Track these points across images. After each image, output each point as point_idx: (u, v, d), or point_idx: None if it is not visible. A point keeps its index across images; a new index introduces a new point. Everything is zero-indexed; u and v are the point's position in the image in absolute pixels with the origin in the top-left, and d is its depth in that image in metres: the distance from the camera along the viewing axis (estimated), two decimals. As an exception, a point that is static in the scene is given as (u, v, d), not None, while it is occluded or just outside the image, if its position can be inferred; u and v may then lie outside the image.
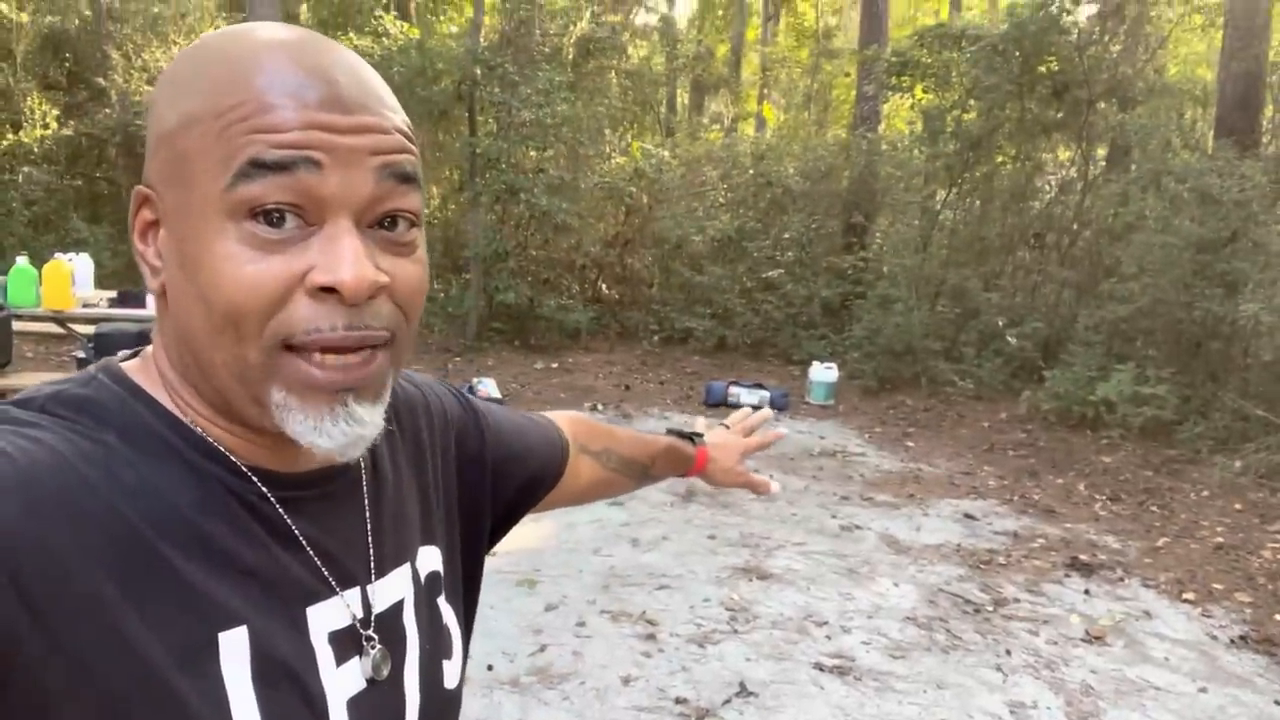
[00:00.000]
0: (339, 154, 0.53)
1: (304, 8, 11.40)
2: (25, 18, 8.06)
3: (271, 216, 0.53)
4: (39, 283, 5.01)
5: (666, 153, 10.10)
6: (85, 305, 5.15)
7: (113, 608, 0.49)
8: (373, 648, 0.64)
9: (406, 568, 0.70)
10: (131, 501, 0.52)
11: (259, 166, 0.52)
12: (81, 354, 4.99)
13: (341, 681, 0.61)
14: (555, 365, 7.95)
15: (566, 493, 0.95)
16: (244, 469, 0.59)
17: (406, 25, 9.63)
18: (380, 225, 0.56)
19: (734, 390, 7.19)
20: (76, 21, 9.15)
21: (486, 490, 0.83)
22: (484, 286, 8.33)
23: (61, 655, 0.47)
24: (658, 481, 1.14)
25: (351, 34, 9.04)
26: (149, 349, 0.62)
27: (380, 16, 9.45)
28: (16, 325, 5.12)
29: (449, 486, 0.79)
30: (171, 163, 0.55)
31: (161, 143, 0.56)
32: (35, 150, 8.25)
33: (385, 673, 0.64)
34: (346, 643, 0.62)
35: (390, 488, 0.71)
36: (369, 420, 0.57)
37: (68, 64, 8.94)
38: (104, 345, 4.93)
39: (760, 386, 7.32)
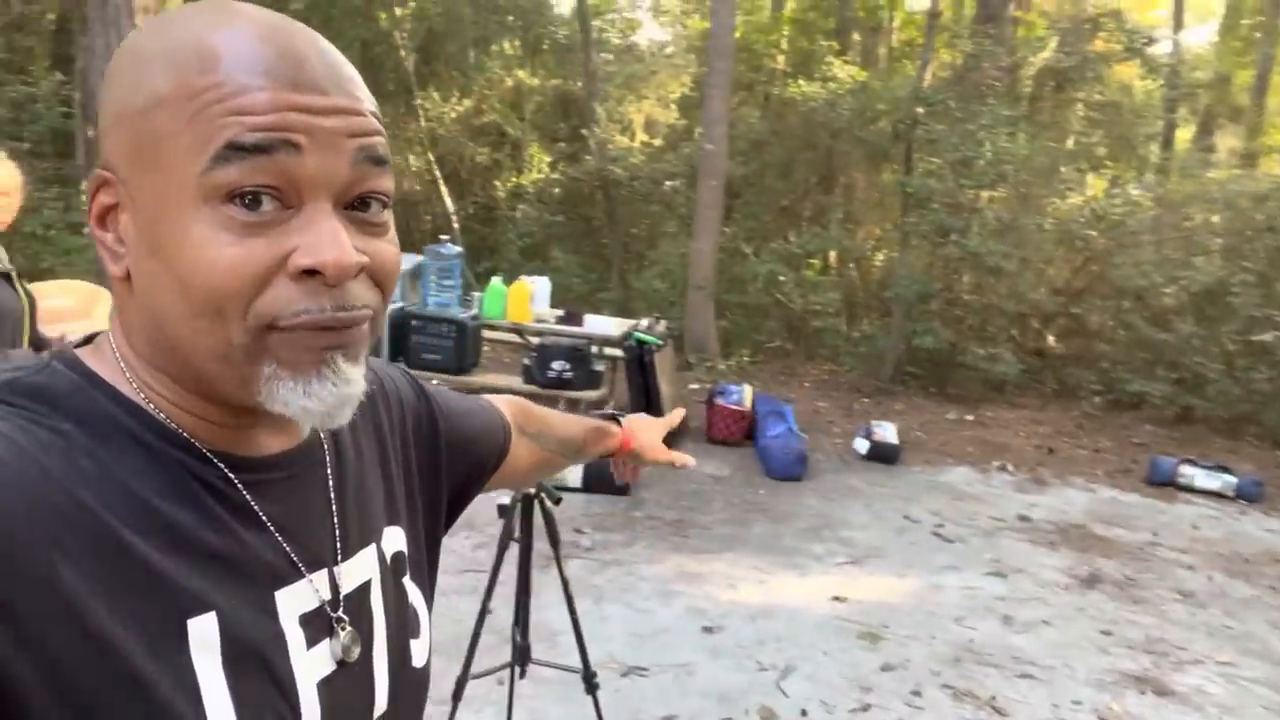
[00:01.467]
0: (317, 136, 0.53)
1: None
2: (536, 81, 9.74)
3: (250, 199, 0.52)
4: (506, 299, 5.99)
5: (1136, 191, 8.89)
6: (538, 320, 6.04)
7: (79, 599, 0.48)
8: (343, 629, 0.64)
9: (372, 549, 0.70)
10: (93, 490, 0.51)
11: (237, 149, 0.51)
12: (527, 361, 5.82)
13: (312, 664, 0.61)
14: (970, 417, 7.41)
15: (508, 473, 0.98)
16: (207, 453, 0.58)
17: (854, 69, 9.75)
18: (354, 206, 0.57)
19: (1186, 470, 6.06)
20: (579, 84, 10.78)
21: (442, 472, 0.84)
22: (904, 329, 8.07)
23: (28, 649, 0.46)
24: (589, 459, 1.18)
25: (801, 81, 9.40)
26: (102, 335, 0.61)
27: (830, 61, 9.69)
28: (486, 334, 6.16)
29: (408, 468, 0.80)
30: (138, 144, 0.54)
31: (123, 122, 0.55)
32: (531, 191, 9.89)
33: (355, 654, 0.64)
34: (317, 625, 0.62)
35: (353, 469, 0.71)
36: (355, 379, 0.57)
37: (570, 120, 10.55)
38: (544, 354, 5.73)
39: (1224, 469, 6.08)
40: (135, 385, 0.58)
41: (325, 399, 0.56)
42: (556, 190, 10.39)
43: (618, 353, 6.24)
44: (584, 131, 9.93)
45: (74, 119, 7.48)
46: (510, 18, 9.66)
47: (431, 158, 9.60)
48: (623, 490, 5.00)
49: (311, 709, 0.61)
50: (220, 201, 0.52)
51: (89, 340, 0.61)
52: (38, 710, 0.47)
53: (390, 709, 0.69)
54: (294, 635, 0.60)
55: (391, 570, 0.72)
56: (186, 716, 0.52)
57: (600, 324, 6.13)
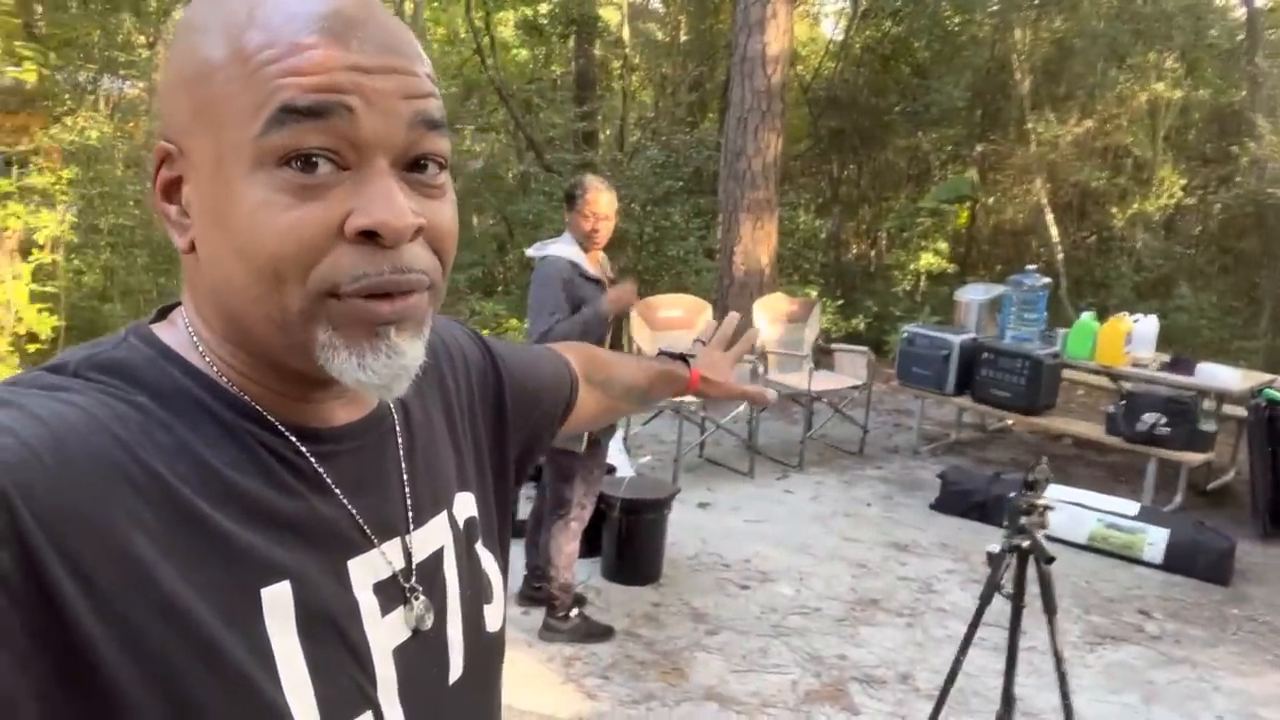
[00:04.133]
0: (371, 97, 0.52)
1: None
2: (1179, 94, 8.48)
3: (307, 161, 0.52)
4: (1096, 337, 5.35)
5: None
6: (1135, 364, 5.27)
7: (154, 567, 0.49)
8: (416, 598, 0.64)
9: (444, 515, 0.70)
10: (167, 461, 0.52)
11: (292, 112, 0.51)
12: (1113, 408, 5.12)
13: (386, 631, 0.62)
14: None
15: (575, 422, 0.97)
16: (279, 425, 0.59)
17: None
18: (411, 168, 0.56)
19: None
20: (1240, 93, 9.11)
21: (509, 429, 0.82)
22: None
23: (108, 617, 0.47)
24: (655, 402, 1.11)
25: None
26: (177, 309, 0.62)
27: None
28: (1067, 374, 5.57)
29: (476, 430, 0.78)
30: (195, 112, 0.54)
31: (180, 91, 0.55)
32: (1157, 219, 8.65)
33: (429, 623, 0.65)
34: (390, 593, 0.63)
35: (423, 437, 0.71)
36: (410, 353, 0.56)
37: (1224, 139, 9.00)
38: (1134, 403, 4.98)
39: None
40: (207, 358, 0.59)
41: (380, 371, 0.55)
42: (1192, 218, 8.92)
43: (1240, 411, 5.13)
44: (1234, 149, 8.36)
45: (713, 159, 8.71)
46: (1157, 24, 8.60)
47: (1040, 183, 9.01)
48: (1220, 579, 4.10)
49: (387, 676, 0.61)
50: (275, 165, 0.52)
51: (164, 315, 0.63)
52: (119, 680, 0.48)
53: (466, 674, 0.69)
54: (368, 603, 0.61)
55: (464, 536, 0.72)
56: (262, 684, 0.53)
57: (1217, 374, 5.10)
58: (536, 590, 3.54)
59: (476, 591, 0.72)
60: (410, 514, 0.67)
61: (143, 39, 7.42)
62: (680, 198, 9.22)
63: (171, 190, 0.57)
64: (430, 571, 0.67)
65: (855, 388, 5.87)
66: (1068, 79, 9.44)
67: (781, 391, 5.86)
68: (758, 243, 7.21)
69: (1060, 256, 8.92)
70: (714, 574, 4.05)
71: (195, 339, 0.59)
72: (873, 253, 11.21)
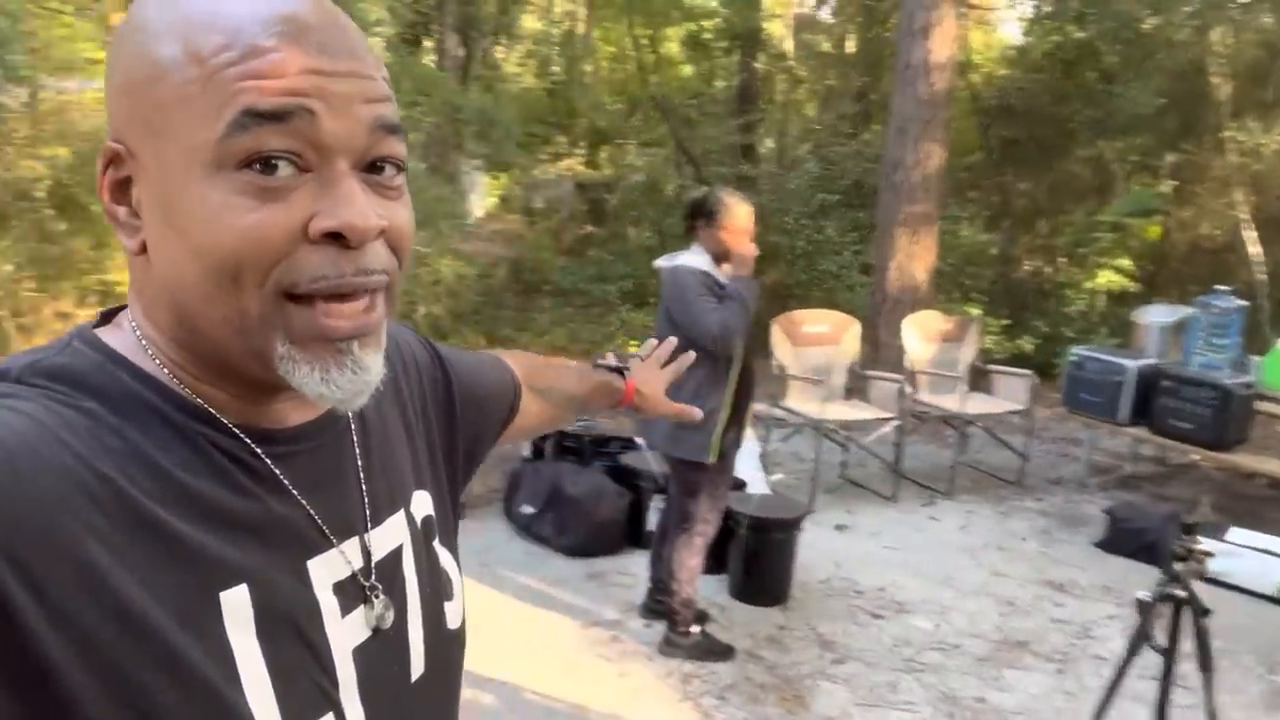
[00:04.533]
0: (332, 100, 0.52)
1: None
2: None
3: (267, 163, 0.51)
4: (1299, 367, 4.80)
5: None
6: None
7: (110, 574, 0.49)
8: (376, 597, 0.64)
9: (401, 514, 0.70)
10: (120, 466, 0.51)
11: (254, 115, 0.51)
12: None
13: (347, 631, 0.61)
14: None
15: (518, 428, 0.97)
16: (232, 427, 0.58)
17: None
18: (369, 170, 0.56)
19: None
20: None
21: (457, 433, 0.82)
22: None
23: (62, 627, 0.46)
24: (593, 414, 1.16)
25: None
26: (122, 313, 0.61)
27: None
28: (1262, 406, 5.01)
29: (429, 430, 0.79)
30: (147, 113, 0.53)
31: (131, 92, 0.54)
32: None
33: (389, 621, 0.64)
34: (350, 593, 0.62)
35: (378, 436, 0.70)
36: (374, 368, 0.57)
37: None
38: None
39: None
40: (157, 361, 0.58)
41: (344, 387, 0.55)
42: None
43: None
44: None
45: (872, 172, 8.45)
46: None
47: (1240, 197, 8.18)
48: None
49: (348, 676, 0.61)
50: (235, 167, 0.51)
51: (108, 319, 0.61)
52: (74, 688, 0.47)
53: (427, 672, 0.69)
54: (328, 603, 0.60)
55: (422, 534, 0.72)
56: (222, 688, 0.52)
57: None
58: (659, 603, 3.50)
59: (436, 589, 0.72)
60: (368, 513, 0.66)
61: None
62: (837, 211, 9.00)
63: (119, 191, 0.57)
64: (389, 570, 0.67)
65: (1015, 412, 5.51)
66: (1276, 83, 8.55)
67: (932, 414, 5.57)
68: (914, 258, 6.92)
69: (1262, 277, 8.07)
70: (845, 600, 3.88)
71: (144, 342, 0.58)
72: (1047, 269, 10.54)
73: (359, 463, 0.67)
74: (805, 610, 3.76)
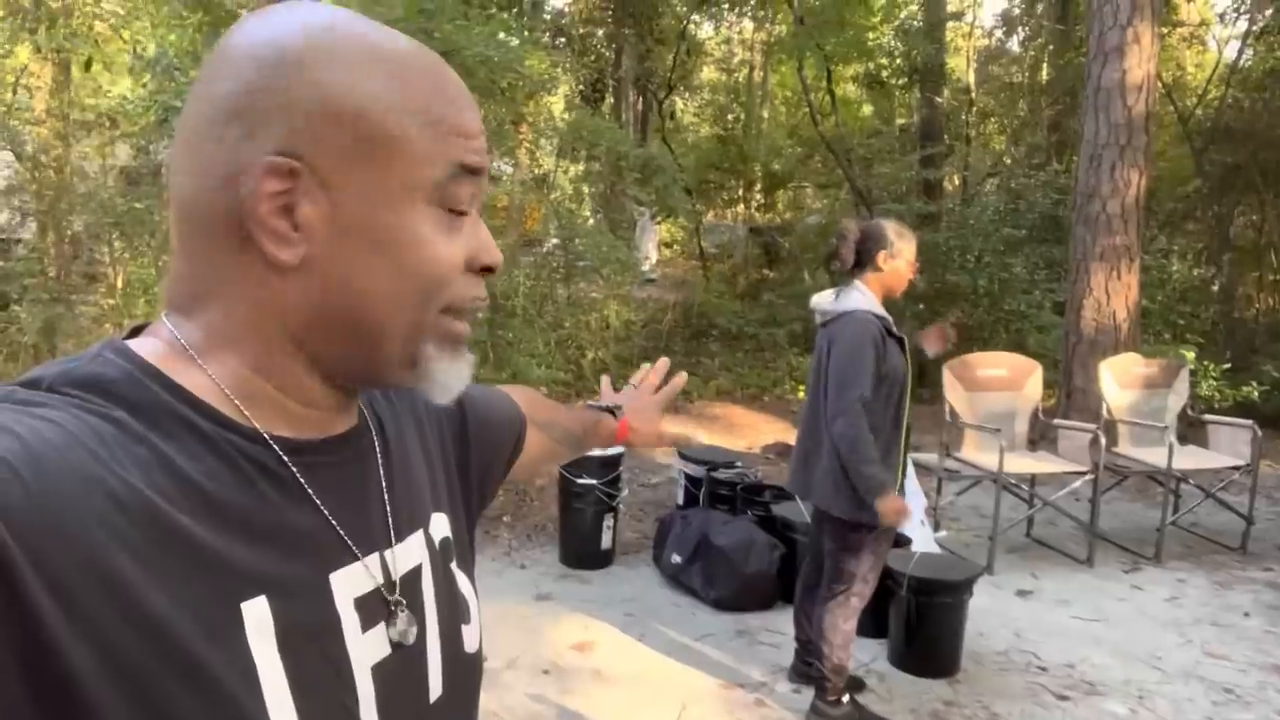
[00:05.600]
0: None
1: None
2: None
3: (459, 209, 0.62)
4: None
5: None
6: None
7: (134, 584, 0.49)
8: (400, 611, 0.65)
9: (420, 534, 0.71)
10: (144, 474, 0.52)
11: (466, 170, 0.62)
12: None
13: (367, 647, 0.62)
14: None
15: (522, 465, 0.99)
16: (260, 434, 0.59)
17: None
18: None
19: None
20: None
21: (471, 463, 0.84)
22: None
23: (87, 635, 0.47)
24: (588, 450, 1.20)
25: None
26: (154, 325, 0.62)
27: None
28: None
29: (445, 455, 0.81)
30: (359, 141, 0.58)
31: (338, 119, 0.58)
32: None
33: (412, 637, 0.65)
34: (371, 608, 0.63)
35: (399, 455, 0.72)
36: (470, 361, 0.66)
37: None
38: None
39: None
40: (188, 375, 0.58)
41: (462, 377, 0.64)
42: None
43: None
44: None
45: (1063, 205, 7.83)
46: None
47: None
48: None
49: (367, 693, 0.61)
50: (438, 205, 0.61)
51: (136, 333, 0.62)
52: (95, 695, 0.47)
53: (445, 694, 0.69)
54: (349, 618, 0.61)
55: (441, 556, 0.73)
56: (243, 700, 0.52)
57: None
58: (808, 666, 3.25)
59: (454, 611, 0.73)
60: (391, 528, 0.67)
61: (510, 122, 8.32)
62: (1026, 247, 8.39)
63: (281, 205, 0.58)
64: (410, 588, 0.68)
65: (1236, 468, 4.83)
66: None
67: (1134, 469, 4.98)
68: (1113, 295, 6.30)
69: None
70: (1026, 677, 3.46)
71: (193, 354, 0.60)
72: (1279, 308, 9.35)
73: (383, 479, 0.69)
74: (977, 685, 3.38)
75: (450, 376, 0.64)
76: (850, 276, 2.99)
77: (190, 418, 0.57)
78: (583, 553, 4.29)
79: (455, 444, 0.84)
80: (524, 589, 4.03)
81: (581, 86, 15.05)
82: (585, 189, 9.32)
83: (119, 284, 4.64)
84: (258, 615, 0.54)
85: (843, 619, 3.02)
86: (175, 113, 4.41)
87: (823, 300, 3.08)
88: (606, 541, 4.30)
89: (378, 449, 0.69)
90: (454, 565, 0.75)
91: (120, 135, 5.10)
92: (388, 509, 0.68)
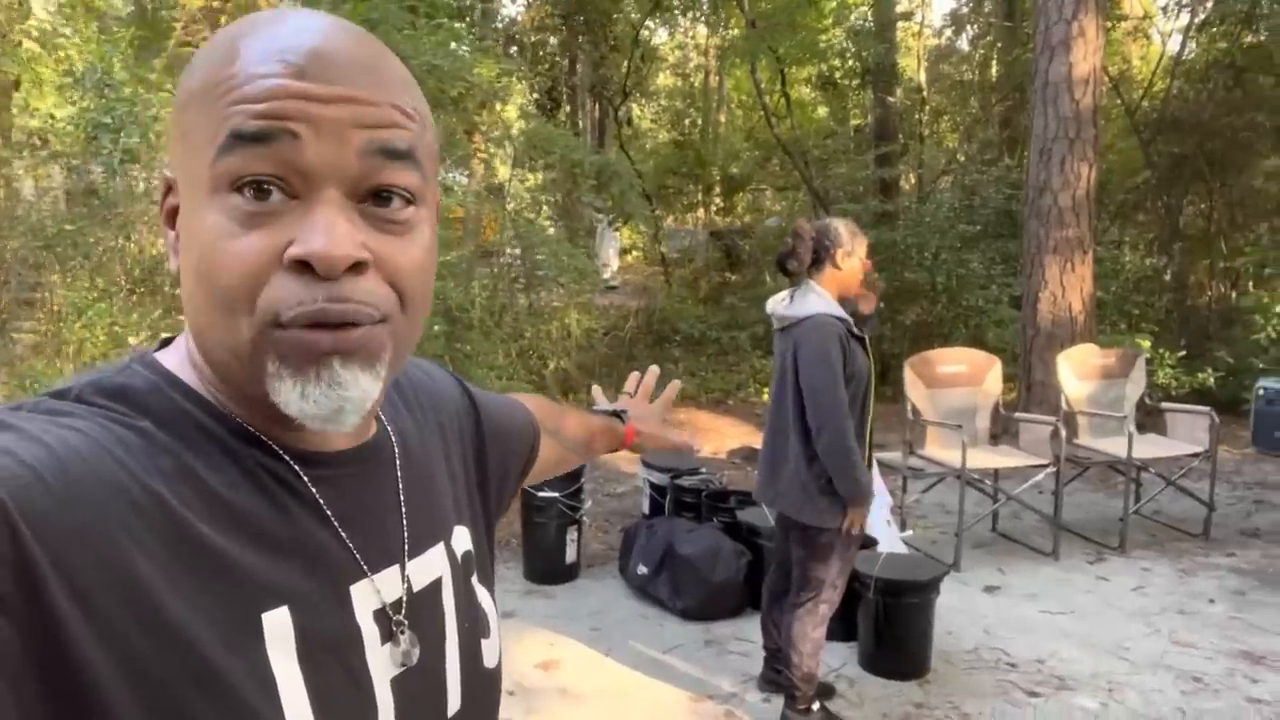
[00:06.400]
0: (318, 124, 0.53)
1: None
2: None
3: (255, 188, 0.52)
4: None
5: None
6: None
7: (156, 591, 0.49)
8: (401, 632, 0.63)
9: (441, 547, 0.70)
10: (169, 484, 0.53)
11: (239, 138, 0.52)
12: None
13: (385, 660, 0.61)
14: None
15: (532, 474, 0.97)
16: (277, 449, 0.59)
17: None
18: (372, 200, 0.55)
19: None
20: None
21: (489, 472, 0.83)
22: None
23: (107, 641, 0.47)
24: (597, 455, 1.18)
25: None
26: (180, 336, 0.62)
27: None
28: None
29: (466, 467, 0.80)
30: (176, 142, 0.56)
31: (173, 124, 0.58)
32: None
33: (414, 658, 0.63)
34: (388, 621, 0.62)
35: (421, 468, 0.71)
36: (355, 386, 0.55)
37: None
38: None
39: None
40: (204, 383, 0.59)
41: (321, 403, 0.55)
42: None
43: None
44: None
45: (1016, 200, 7.90)
46: None
47: None
48: None
49: (387, 705, 0.60)
50: (228, 191, 0.53)
51: (167, 342, 0.63)
52: (113, 701, 0.47)
53: (464, 708, 0.68)
54: (369, 630, 0.60)
55: (463, 569, 0.72)
56: (261, 710, 0.52)
57: None
58: (777, 674, 3.20)
59: (474, 625, 0.72)
60: (408, 542, 0.66)
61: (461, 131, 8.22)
62: (982, 242, 8.45)
63: (171, 218, 0.59)
64: (428, 602, 0.67)
65: (1195, 455, 4.87)
66: None
67: (1095, 459, 5.01)
68: (1068, 287, 6.36)
69: None
70: (996, 674, 3.44)
71: (194, 365, 0.60)
72: (1230, 294, 9.52)
73: (401, 493, 0.67)
74: (948, 685, 3.36)
75: (304, 401, 0.54)
76: (804, 277, 2.95)
77: (213, 429, 0.57)
78: (547, 568, 4.21)
79: (473, 454, 0.82)
80: (487, 607, 3.94)
81: (536, 95, 14.96)
82: (542, 198, 9.26)
83: (54, 309, 4.50)
84: (278, 626, 0.54)
85: (811, 626, 2.97)
86: (105, 130, 4.28)
87: (778, 304, 3.02)
88: (571, 555, 4.22)
89: (396, 461, 0.68)
90: (475, 579, 0.74)
91: (50, 155, 4.96)
92: (404, 523, 0.66)
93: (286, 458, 0.59)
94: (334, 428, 0.57)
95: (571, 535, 4.19)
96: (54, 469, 0.48)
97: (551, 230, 8.39)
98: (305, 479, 0.60)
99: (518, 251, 7.11)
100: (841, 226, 2.94)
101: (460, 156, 6.36)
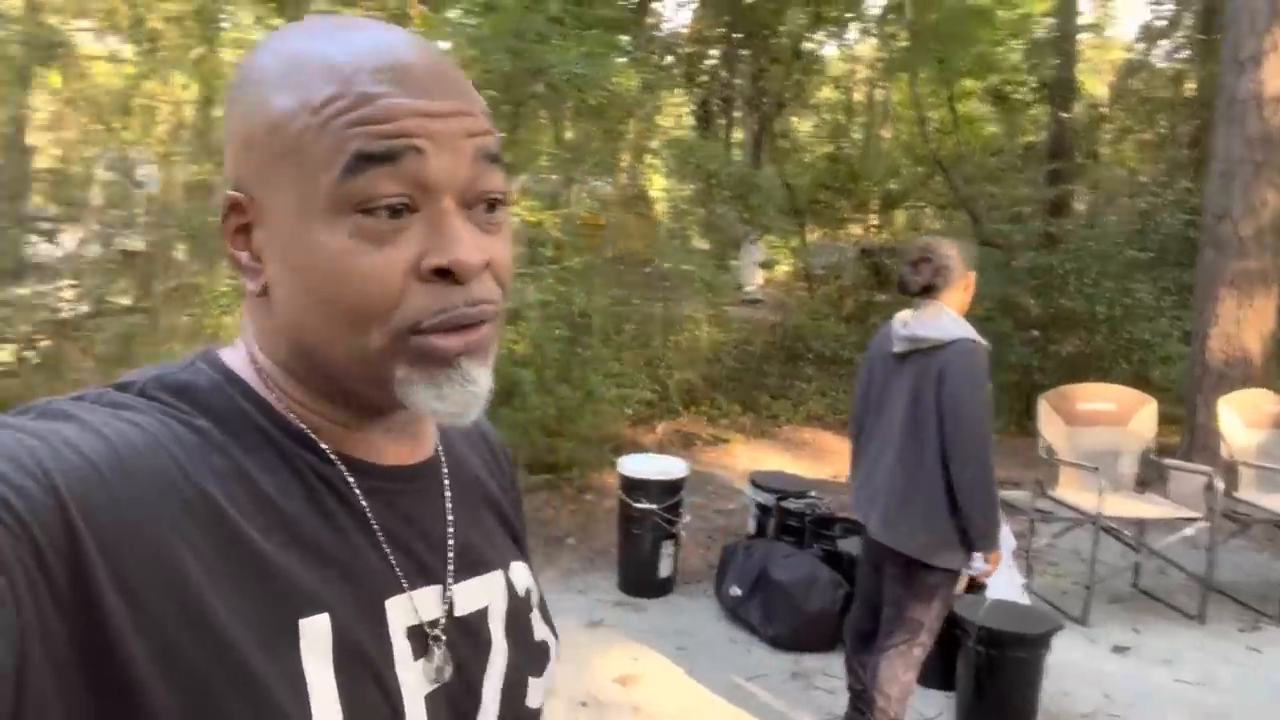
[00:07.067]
0: (438, 139, 0.55)
1: None
2: None
3: (381, 206, 0.54)
4: None
5: None
6: None
7: (200, 590, 0.51)
8: (438, 647, 0.63)
9: (498, 576, 0.70)
10: (220, 484, 0.54)
11: (367, 159, 0.53)
12: None
13: (419, 677, 0.61)
14: None
15: None
16: (332, 456, 0.60)
17: None
18: (472, 206, 0.58)
19: None
20: None
21: (519, 527, 0.80)
22: None
23: (149, 632, 0.48)
24: None
25: None
26: (241, 337, 0.64)
27: None
28: None
29: (516, 510, 0.79)
30: (266, 162, 0.56)
31: (251, 143, 0.57)
32: None
33: (447, 675, 0.63)
34: (423, 638, 0.62)
35: (474, 496, 0.72)
36: (481, 380, 0.58)
37: None
38: None
39: None
40: (269, 387, 0.61)
41: (455, 399, 0.57)
42: None
43: None
44: None
45: (1194, 225, 7.23)
46: None
47: None
48: None
49: (418, 719, 0.60)
50: (351, 211, 0.54)
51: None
52: (152, 695, 0.48)
53: None
54: (401, 646, 0.60)
55: (522, 603, 0.71)
56: (291, 713, 0.52)
57: None
58: (861, 716, 3.03)
59: (525, 661, 0.71)
60: (453, 564, 0.66)
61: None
62: (1153, 270, 7.79)
63: (240, 237, 0.60)
64: (472, 627, 0.66)
65: (1383, 522, 4.28)
66: None
67: (1257, 515, 4.49)
68: (1244, 325, 5.75)
69: None
70: (1111, 745, 3.14)
71: (258, 369, 0.61)
72: None
73: (450, 514, 0.68)
74: (1052, 750, 3.09)
75: (440, 401, 0.57)
76: (927, 298, 2.77)
77: (269, 431, 0.59)
78: (640, 580, 4.17)
79: (513, 506, 0.81)
80: (577, 615, 3.94)
81: (694, 106, 15.00)
82: (685, 207, 9.25)
83: (197, 297, 4.87)
84: (315, 632, 0.55)
85: (903, 669, 2.80)
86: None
87: (914, 325, 2.77)
88: (665, 569, 4.17)
89: (447, 485, 0.69)
90: (534, 615, 0.74)
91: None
92: (449, 544, 0.67)
93: (340, 466, 0.61)
94: (460, 422, 0.59)
95: (667, 549, 4.14)
96: (111, 463, 0.50)
97: (695, 241, 8.38)
98: (356, 490, 0.61)
99: (651, 259, 7.13)
100: (962, 248, 2.78)
101: (591, 165, 6.43)
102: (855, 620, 3.10)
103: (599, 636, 3.78)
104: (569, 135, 6.23)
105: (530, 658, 0.71)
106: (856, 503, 3.00)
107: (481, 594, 0.68)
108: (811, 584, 3.72)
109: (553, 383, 5.32)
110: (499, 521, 0.76)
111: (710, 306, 7.68)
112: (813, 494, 4.50)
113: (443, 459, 0.70)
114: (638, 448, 5.40)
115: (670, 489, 4.12)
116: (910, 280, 2.77)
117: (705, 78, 15.25)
